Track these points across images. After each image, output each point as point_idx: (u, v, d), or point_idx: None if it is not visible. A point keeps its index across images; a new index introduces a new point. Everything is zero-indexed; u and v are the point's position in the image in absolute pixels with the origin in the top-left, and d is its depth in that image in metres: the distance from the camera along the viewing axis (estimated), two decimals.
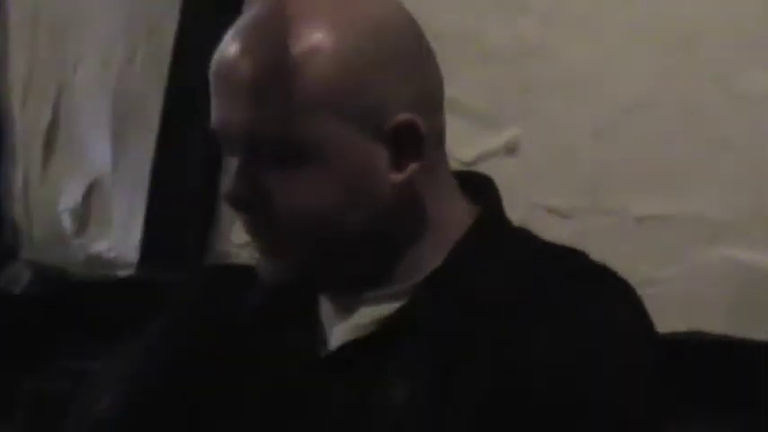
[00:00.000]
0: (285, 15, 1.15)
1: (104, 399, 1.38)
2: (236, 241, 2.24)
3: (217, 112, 1.18)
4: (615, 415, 1.10)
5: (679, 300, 1.83)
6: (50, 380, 2.19)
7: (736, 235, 1.88)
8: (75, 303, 2.28)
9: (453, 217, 1.21)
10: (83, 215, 2.39)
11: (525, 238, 1.25)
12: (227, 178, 1.19)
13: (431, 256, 1.20)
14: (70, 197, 2.40)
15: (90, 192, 2.39)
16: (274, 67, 1.15)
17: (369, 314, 1.21)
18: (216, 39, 2.50)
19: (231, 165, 1.20)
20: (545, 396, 1.09)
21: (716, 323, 1.87)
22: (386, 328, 1.19)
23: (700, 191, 1.91)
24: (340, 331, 1.22)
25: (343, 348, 1.20)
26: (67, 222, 2.40)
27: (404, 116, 1.15)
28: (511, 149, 1.96)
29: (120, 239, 2.34)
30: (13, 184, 2.44)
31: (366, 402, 1.18)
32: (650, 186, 1.94)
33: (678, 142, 1.92)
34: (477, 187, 1.24)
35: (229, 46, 1.17)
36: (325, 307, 1.24)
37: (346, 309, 1.22)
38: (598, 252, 1.27)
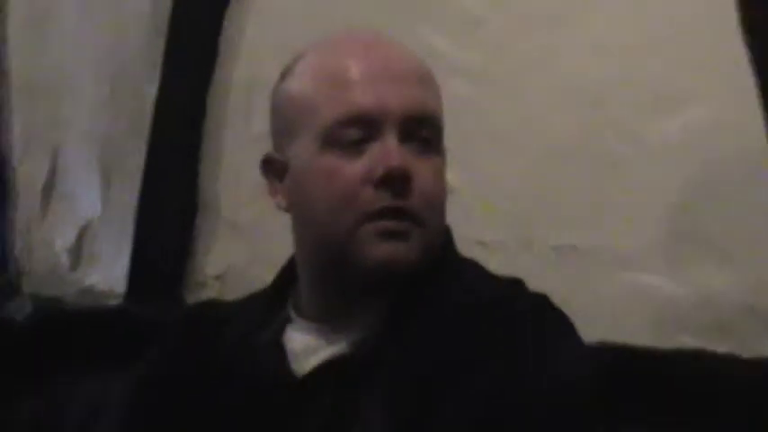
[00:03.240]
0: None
1: None
2: (210, 273, 2.31)
3: (376, 95, 1.21)
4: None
5: (591, 317, 1.82)
6: (48, 400, 2.24)
7: (639, 262, 1.98)
8: (70, 330, 2.34)
9: None
10: (76, 253, 2.43)
11: (473, 264, 1.32)
12: (385, 155, 1.19)
13: None
14: (65, 238, 2.44)
15: (82, 233, 2.43)
16: (426, 64, 1.27)
17: (344, 340, 1.23)
18: (192, 101, 2.63)
19: (372, 147, 1.21)
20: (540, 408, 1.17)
21: (623, 337, 1.96)
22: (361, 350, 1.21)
23: (608, 225, 2.01)
24: (317, 358, 1.23)
25: (318, 371, 1.22)
26: (64, 260, 2.44)
27: None
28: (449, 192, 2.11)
29: (109, 273, 2.39)
30: (15, 227, 2.48)
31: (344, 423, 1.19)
32: (567, 222, 2.04)
33: (590, 186, 2.02)
34: None
35: (378, 47, 1.24)
36: (300, 338, 1.26)
37: (326, 337, 1.24)
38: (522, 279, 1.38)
